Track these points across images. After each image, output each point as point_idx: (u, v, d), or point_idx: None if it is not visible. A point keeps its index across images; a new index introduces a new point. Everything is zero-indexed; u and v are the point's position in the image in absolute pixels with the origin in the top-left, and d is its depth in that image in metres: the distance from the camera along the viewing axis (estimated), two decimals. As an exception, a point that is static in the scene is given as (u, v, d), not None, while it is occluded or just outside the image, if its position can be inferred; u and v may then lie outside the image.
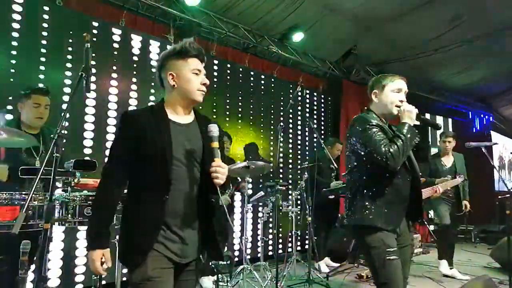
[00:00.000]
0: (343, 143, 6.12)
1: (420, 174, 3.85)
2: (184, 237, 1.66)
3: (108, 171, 1.71)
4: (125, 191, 1.78)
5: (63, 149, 1.99)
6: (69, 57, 4.00)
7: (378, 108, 2.36)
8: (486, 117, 10.93)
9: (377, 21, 6.43)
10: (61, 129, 1.99)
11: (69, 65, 3.98)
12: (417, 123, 2.27)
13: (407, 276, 2.33)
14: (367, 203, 2.18)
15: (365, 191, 2.21)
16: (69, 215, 2.41)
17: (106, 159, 1.78)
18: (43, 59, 3.82)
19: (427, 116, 9.70)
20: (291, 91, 6.52)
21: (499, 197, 7.63)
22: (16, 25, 3.67)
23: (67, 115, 2.25)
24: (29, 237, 2.31)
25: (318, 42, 6.68)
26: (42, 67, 3.80)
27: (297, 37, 6.22)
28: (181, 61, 1.74)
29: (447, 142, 5.15)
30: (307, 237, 5.32)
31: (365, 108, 2.46)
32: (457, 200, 5.09)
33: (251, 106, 6.02)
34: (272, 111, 6.34)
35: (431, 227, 6.89)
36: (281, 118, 6.27)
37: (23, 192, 2.21)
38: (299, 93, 4.85)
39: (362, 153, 2.21)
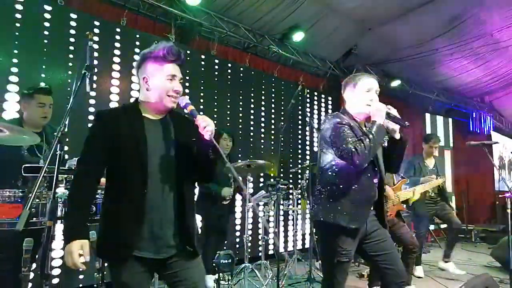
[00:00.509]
0: None
1: (401, 174, 3.94)
2: (162, 233, 1.68)
3: (82, 168, 1.72)
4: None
5: (66, 147, 2.00)
6: (71, 56, 4.01)
7: (351, 107, 2.38)
8: (487, 117, 10.94)
9: (377, 21, 6.44)
10: (64, 127, 2.01)
11: (70, 64, 3.99)
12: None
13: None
14: (332, 200, 2.22)
15: (332, 188, 2.24)
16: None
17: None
18: (44, 58, 3.83)
19: (427, 116, 9.74)
20: (291, 90, 6.55)
21: (499, 196, 7.66)
22: (18, 24, 3.68)
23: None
24: (31, 235, 2.34)
25: (318, 42, 6.69)
26: (43, 66, 3.82)
27: (298, 36, 6.22)
28: (156, 66, 1.76)
29: (434, 148, 5.19)
30: (307, 236, 5.34)
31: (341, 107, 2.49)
32: (443, 200, 5.15)
33: (252, 106, 6.03)
34: (272, 111, 6.35)
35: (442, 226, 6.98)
36: (282, 118, 6.28)
37: (26, 190, 2.22)
38: (300, 93, 4.83)
39: (330, 150, 2.24)
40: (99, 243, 1.71)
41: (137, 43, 4.60)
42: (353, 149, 2.05)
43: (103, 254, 1.76)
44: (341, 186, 2.22)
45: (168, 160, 1.73)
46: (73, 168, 2.36)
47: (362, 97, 2.31)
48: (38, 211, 2.25)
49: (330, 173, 2.27)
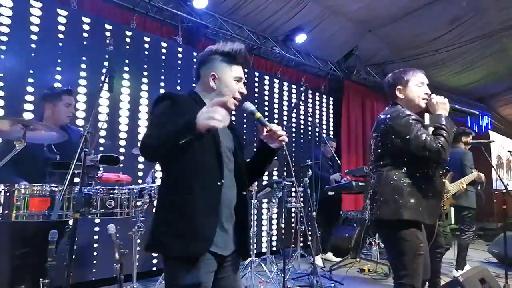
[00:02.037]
0: (336, 141, 6.29)
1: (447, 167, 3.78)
2: (228, 228, 1.62)
3: (149, 135, 1.52)
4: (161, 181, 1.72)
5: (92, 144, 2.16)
6: (84, 58, 4.16)
7: (404, 103, 2.34)
8: (485, 117, 11.08)
9: (378, 22, 6.59)
10: (90, 126, 2.18)
11: (83, 66, 4.15)
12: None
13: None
14: (408, 199, 2.15)
15: (403, 186, 2.18)
16: (92, 207, 2.58)
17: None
18: (59, 60, 3.98)
19: (426, 116, 9.85)
20: (293, 91, 6.71)
21: (496, 192, 7.78)
22: (34, 28, 3.84)
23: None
24: (55, 227, 2.49)
25: (320, 43, 6.84)
26: (58, 68, 3.97)
27: (300, 38, 6.38)
28: (226, 65, 1.72)
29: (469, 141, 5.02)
30: (309, 232, 5.50)
31: (390, 103, 2.42)
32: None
33: (256, 106, 6.14)
34: (275, 111, 6.50)
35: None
36: (285, 117, 6.45)
37: (53, 184, 2.37)
38: (303, 93, 5.00)
39: (404, 147, 2.18)
40: (162, 239, 1.53)
41: (146, 46, 4.75)
42: (439, 147, 2.07)
43: (173, 250, 1.52)
44: (412, 184, 2.18)
45: (231, 158, 1.71)
46: (91, 163, 2.49)
47: (418, 92, 2.31)
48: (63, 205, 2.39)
49: (397, 171, 2.21)
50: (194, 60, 5.10)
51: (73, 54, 4.08)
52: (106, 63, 2.25)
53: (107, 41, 2.50)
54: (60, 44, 4.00)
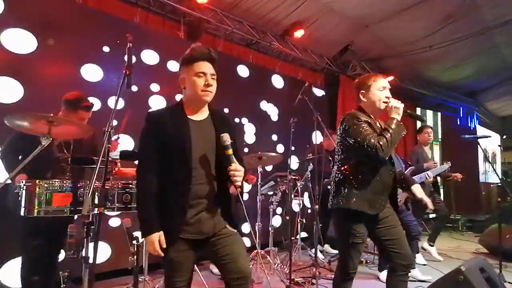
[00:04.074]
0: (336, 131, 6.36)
1: (408, 163, 4.18)
2: (207, 218, 1.92)
3: (144, 167, 1.94)
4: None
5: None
6: (90, 52, 4.15)
7: (367, 106, 2.57)
8: (473, 111, 11.35)
9: (374, 19, 6.69)
10: (111, 123, 2.22)
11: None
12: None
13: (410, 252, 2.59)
14: (354, 191, 2.43)
15: (353, 180, 2.45)
16: (109, 202, 2.64)
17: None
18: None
19: (417, 110, 10.07)
20: (291, 85, 6.77)
21: (491, 185, 8.02)
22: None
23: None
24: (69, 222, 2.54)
25: (317, 39, 6.92)
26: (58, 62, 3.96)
27: (298, 33, 6.44)
28: (187, 66, 1.96)
29: (429, 133, 5.51)
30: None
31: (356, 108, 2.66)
32: (436, 190, 5.48)
33: (254, 100, 6.23)
34: (274, 105, 6.54)
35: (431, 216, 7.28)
36: (279, 111, 6.52)
37: (73, 180, 2.41)
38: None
39: (352, 146, 2.42)
40: None
41: (148, 40, 4.76)
42: (377, 144, 2.29)
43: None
44: (361, 178, 2.43)
45: (210, 157, 1.95)
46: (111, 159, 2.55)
47: (379, 95, 2.51)
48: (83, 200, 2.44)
49: (350, 167, 2.47)
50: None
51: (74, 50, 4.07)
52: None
53: (127, 38, 2.53)
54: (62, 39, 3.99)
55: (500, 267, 4.06)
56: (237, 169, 1.87)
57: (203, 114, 2.05)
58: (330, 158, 5.86)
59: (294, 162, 5.94)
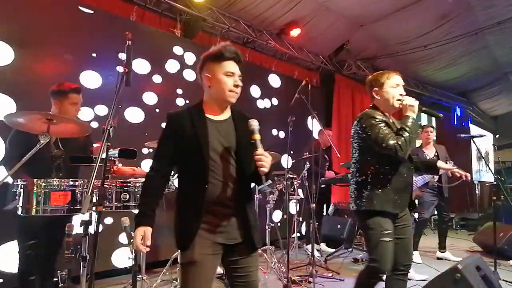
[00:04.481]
0: (331, 129, 6.40)
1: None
2: (225, 223, 1.81)
3: (154, 165, 1.90)
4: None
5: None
6: (87, 50, 4.11)
7: (380, 103, 2.53)
8: (466, 111, 11.44)
9: (369, 18, 6.74)
10: (112, 120, 2.19)
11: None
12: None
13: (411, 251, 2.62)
14: (376, 191, 2.39)
15: (375, 180, 2.41)
16: (107, 201, 2.61)
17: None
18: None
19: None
20: (287, 83, 6.78)
21: (488, 184, 8.05)
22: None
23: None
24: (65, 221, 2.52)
25: (313, 38, 6.94)
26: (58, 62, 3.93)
27: (294, 32, 6.45)
28: (216, 64, 1.87)
29: (429, 133, 5.46)
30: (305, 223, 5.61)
31: (370, 105, 2.62)
32: (439, 188, 5.48)
33: (250, 98, 6.23)
34: (269, 103, 6.54)
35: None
36: (275, 109, 6.52)
37: (71, 179, 2.38)
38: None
39: (371, 146, 2.38)
40: (174, 233, 1.86)
41: (145, 37, 4.72)
42: (396, 145, 2.26)
43: (176, 244, 1.85)
44: (382, 178, 2.40)
45: (229, 158, 1.85)
46: (112, 158, 2.53)
47: (392, 93, 2.47)
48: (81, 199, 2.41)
49: (369, 167, 2.44)
50: (191, 52, 5.12)
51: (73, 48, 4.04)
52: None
53: (126, 36, 2.51)
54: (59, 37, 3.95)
55: (495, 265, 4.10)
56: (264, 154, 1.75)
57: (225, 114, 1.96)
58: (326, 156, 5.90)
59: (290, 161, 5.97)
